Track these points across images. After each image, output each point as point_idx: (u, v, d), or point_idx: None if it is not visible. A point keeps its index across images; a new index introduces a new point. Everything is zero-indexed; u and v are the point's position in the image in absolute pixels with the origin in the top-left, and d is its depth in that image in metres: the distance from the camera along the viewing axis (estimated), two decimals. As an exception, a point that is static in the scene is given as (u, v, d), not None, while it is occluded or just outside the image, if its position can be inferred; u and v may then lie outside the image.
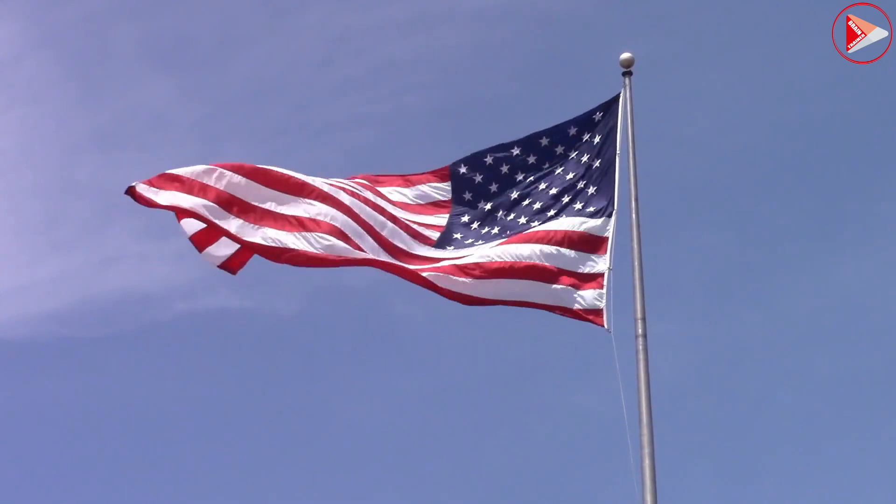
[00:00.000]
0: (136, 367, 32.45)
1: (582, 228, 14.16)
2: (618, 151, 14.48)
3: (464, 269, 13.93)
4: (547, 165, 14.91)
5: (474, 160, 15.05)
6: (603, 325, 13.56)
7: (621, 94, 14.75)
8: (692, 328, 31.25)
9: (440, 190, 15.11)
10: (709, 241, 32.85)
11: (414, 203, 14.98)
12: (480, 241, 14.52)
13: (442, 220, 14.86)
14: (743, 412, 30.04)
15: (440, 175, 15.14)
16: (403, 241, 14.36)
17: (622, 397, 12.81)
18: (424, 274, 13.88)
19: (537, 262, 13.95)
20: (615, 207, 14.21)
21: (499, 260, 13.95)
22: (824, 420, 30.02)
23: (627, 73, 14.81)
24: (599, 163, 14.59)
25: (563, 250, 14.02)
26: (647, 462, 12.42)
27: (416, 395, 31.22)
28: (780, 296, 31.86)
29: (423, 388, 31.24)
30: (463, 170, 15.06)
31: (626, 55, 14.83)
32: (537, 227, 14.38)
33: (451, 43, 35.29)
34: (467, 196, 14.97)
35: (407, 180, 15.11)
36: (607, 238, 14.04)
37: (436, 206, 15.02)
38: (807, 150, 33.77)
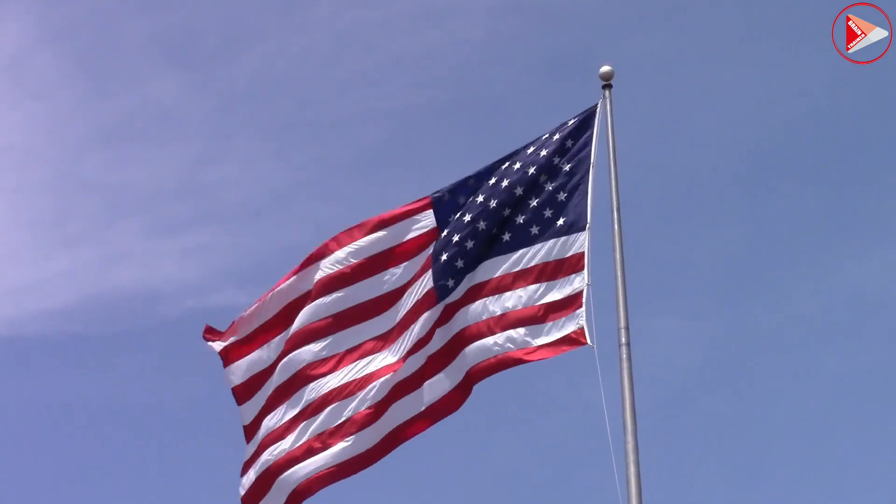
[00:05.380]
0: (145, 363, 32.58)
1: (553, 255, 13.96)
2: (592, 163, 14.23)
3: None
4: (516, 167, 14.64)
5: (453, 190, 14.78)
6: (586, 343, 13.34)
7: (599, 106, 14.51)
8: (702, 324, 31.21)
9: (420, 221, 14.79)
10: (719, 238, 32.80)
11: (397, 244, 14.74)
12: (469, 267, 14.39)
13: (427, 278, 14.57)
14: (752, 409, 29.99)
15: (420, 205, 14.83)
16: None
17: (604, 403, 12.81)
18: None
19: (522, 308, 13.91)
20: (589, 221, 13.97)
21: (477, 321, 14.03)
22: (834, 417, 29.97)
23: (607, 86, 14.56)
24: (570, 167, 14.36)
25: (543, 284, 13.90)
26: (632, 470, 12.32)
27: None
28: (790, 292, 31.81)
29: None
30: (445, 197, 14.75)
31: (605, 68, 14.57)
32: (513, 261, 14.18)
33: (460, 38, 35.24)
34: (451, 219, 14.68)
35: (382, 221, 14.81)
36: (583, 254, 13.80)
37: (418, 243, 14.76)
38: (819, 146, 33.73)
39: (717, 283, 32.08)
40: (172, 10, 35.53)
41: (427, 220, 14.72)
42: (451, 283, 14.28)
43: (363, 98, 34.79)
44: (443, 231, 14.55)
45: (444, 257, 14.37)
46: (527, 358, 13.71)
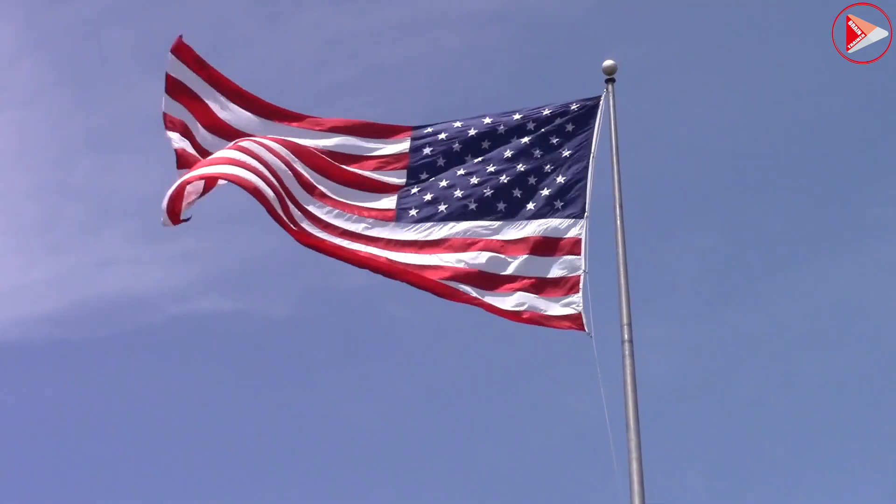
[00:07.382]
0: (130, 369, 32.56)
1: (549, 232, 14.04)
2: (593, 153, 14.38)
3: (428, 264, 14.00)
4: (514, 139, 14.75)
5: (432, 133, 15.02)
6: (583, 330, 13.44)
7: (602, 99, 14.66)
8: (683, 331, 31.33)
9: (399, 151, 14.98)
10: (700, 244, 32.95)
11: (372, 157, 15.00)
12: (438, 219, 14.39)
13: (391, 201, 14.67)
14: (734, 415, 30.12)
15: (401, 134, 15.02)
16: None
17: (604, 401, 12.80)
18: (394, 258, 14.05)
19: (501, 272, 13.93)
20: (587, 210, 14.11)
21: (457, 265, 13.93)
22: (816, 423, 30.13)
23: (610, 80, 14.71)
24: (571, 153, 14.50)
25: (533, 257, 13.91)
26: (634, 466, 12.35)
27: (408, 397, 31.33)
28: (770, 299, 31.93)
29: (415, 389, 31.33)
30: (421, 141, 14.97)
31: (608, 62, 14.74)
32: (498, 226, 14.22)
33: (444, 46, 35.37)
34: (422, 172, 14.85)
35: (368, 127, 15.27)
36: (580, 239, 13.90)
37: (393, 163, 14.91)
38: (798, 152, 33.86)
39: (699, 290, 32.25)
40: (159, 17, 35.59)
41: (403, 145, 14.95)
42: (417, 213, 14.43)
43: (348, 106, 34.75)
44: (414, 163, 14.78)
45: (415, 190, 14.57)
46: (523, 320, 13.69)
